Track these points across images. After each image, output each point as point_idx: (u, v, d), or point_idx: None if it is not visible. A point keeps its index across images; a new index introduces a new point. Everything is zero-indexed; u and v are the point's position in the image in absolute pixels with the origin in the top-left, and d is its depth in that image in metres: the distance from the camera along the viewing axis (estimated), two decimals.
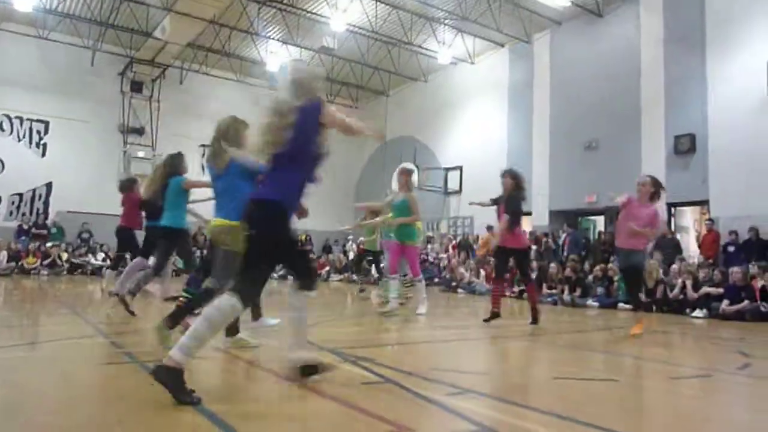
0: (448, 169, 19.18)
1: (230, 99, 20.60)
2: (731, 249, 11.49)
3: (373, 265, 11.49)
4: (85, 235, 17.70)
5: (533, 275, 12.79)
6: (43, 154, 17.99)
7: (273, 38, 18.19)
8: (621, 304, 10.28)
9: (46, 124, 18.01)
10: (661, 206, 13.11)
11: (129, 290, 6.45)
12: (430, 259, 17.38)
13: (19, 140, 17.66)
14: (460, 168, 18.68)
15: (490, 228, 15.30)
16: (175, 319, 4.22)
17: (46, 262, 15.82)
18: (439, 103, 19.90)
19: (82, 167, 18.00)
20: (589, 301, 11.07)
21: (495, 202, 7.12)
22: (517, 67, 17.55)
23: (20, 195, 17.59)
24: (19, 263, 15.52)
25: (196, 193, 6.41)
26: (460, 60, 18.72)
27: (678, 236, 13.08)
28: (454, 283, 14.66)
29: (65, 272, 15.94)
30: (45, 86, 17.74)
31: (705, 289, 9.70)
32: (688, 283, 9.89)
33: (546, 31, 16.58)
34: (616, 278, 10.85)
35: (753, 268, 9.90)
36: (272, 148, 3.14)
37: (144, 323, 6.29)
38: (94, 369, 3.75)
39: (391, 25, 17.13)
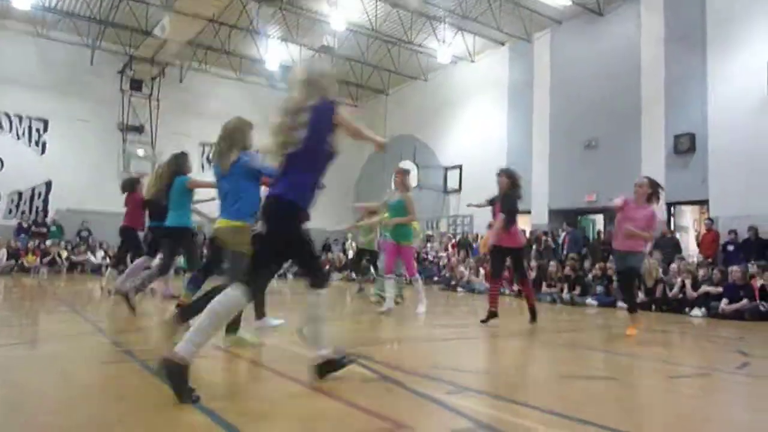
0: (447, 168, 19.19)
1: (230, 97, 20.64)
2: (730, 248, 11.50)
3: (372, 265, 11.50)
4: (85, 234, 17.71)
5: (532, 274, 12.88)
6: (43, 153, 17.99)
7: (273, 37, 18.17)
8: (620, 303, 10.27)
9: (46, 122, 18.00)
10: (660, 206, 13.19)
11: (134, 287, 6.49)
12: (430, 257, 17.38)
13: (19, 138, 17.65)
14: (460, 167, 18.69)
15: (491, 226, 15.30)
16: (186, 317, 4.23)
17: (45, 260, 15.82)
18: (438, 102, 19.91)
19: (82, 165, 17.99)
20: (589, 300, 11.08)
21: (491, 202, 7.11)
22: (518, 65, 17.54)
23: (20, 193, 17.59)
24: (19, 261, 15.53)
25: (200, 193, 6.45)
26: (460, 59, 18.72)
27: (677, 235, 13.09)
28: (453, 282, 14.67)
29: (65, 270, 15.93)
30: (44, 84, 17.73)
31: (704, 289, 9.71)
32: (688, 282, 9.90)
33: (546, 30, 16.57)
34: (615, 277, 10.85)
35: (752, 268, 9.92)
36: (285, 148, 3.16)
37: (144, 322, 6.30)
38: (94, 368, 3.75)
39: (391, 24, 17.14)
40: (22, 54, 17.47)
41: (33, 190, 17.80)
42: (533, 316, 6.75)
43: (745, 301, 9.05)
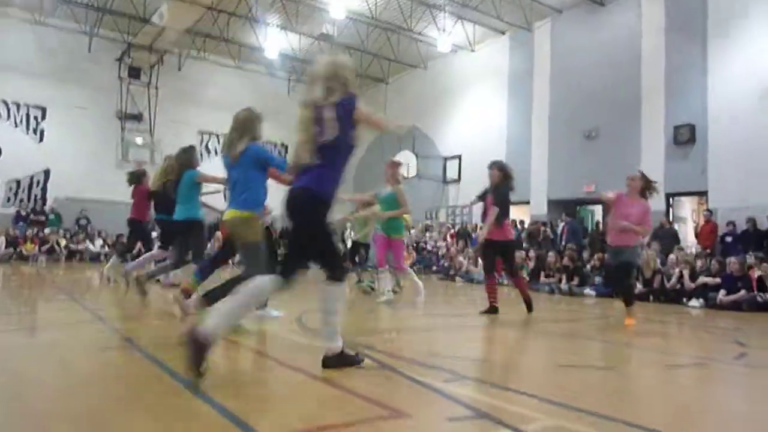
0: (447, 158, 19.16)
1: (229, 85, 20.56)
2: (729, 239, 11.52)
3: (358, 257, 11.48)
4: (83, 222, 17.70)
5: (531, 264, 12.90)
6: (41, 140, 17.93)
7: (272, 24, 18.06)
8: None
9: (44, 110, 17.92)
10: (659, 197, 13.19)
11: (147, 274, 6.75)
12: (429, 247, 17.41)
13: (17, 126, 17.59)
14: (459, 157, 18.66)
15: (484, 218, 15.32)
16: (210, 302, 4.30)
17: (44, 248, 15.81)
18: (438, 91, 19.83)
19: (80, 153, 17.94)
20: (587, 290, 11.11)
21: (482, 197, 7.09)
22: (518, 55, 17.46)
23: (18, 181, 17.56)
24: (17, 249, 15.52)
25: (205, 185, 6.48)
26: (460, 47, 18.63)
27: (676, 226, 13.11)
28: (452, 272, 14.70)
29: (63, 258, 15.94)
30: (42, 72, 17.64)
31: (702, 279, 9.75)
32: (686, 273, 9.93)
33: (547, 19, 16.48)
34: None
35: (750, 259, 9.94)
36: (310, 144, 3.19)
37: (143, 309, 6.31)
38: (93, 355, 3.76)
39: (391, 12, 17.03)
40: (20, 41, 17.36)
41: (31, 178, 17.76)
42: (529, 307, 6.76)
43: (742, 292, 9.08)
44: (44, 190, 17.93)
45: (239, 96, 20.15)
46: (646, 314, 7.77)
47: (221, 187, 6.18)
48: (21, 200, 17.43)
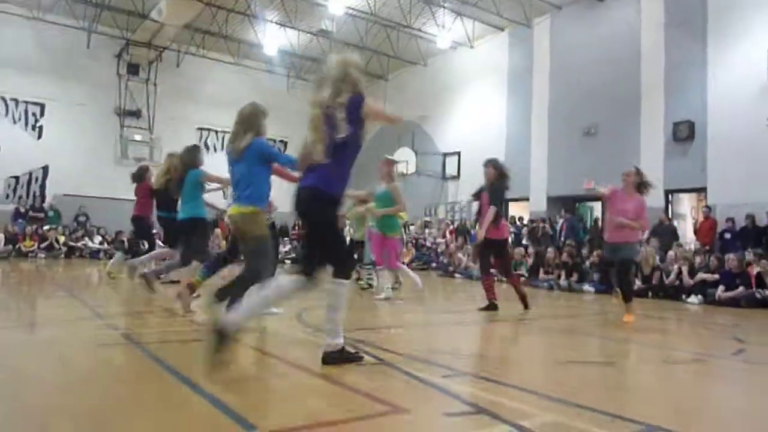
0: (446, 155, 19.14)
1: (227, 82, 20.52)
2: (728, 236, 11.53)
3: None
4: (82, 218, 17.67)
5: (529, 260, 12.91)
6: (39, 137, 17.87)
7: (271, 21, 18.02)
8: (617, 290, 10.32)
9: (42, 106, 17.87)
10: (658, 193, 13.20)
11: (155, 272, 6.84)
12: (428, 244, 17.41)
13: (15, 123, 17.54)
14: (458, 153, 18.64)
15: (479, 216, 15.32)
16: (223, 297, 4.34)
17: (43, 245, 15.79)
18: (438, 88, 19.80)
19: (79, 150, 17.90)
20: (586, 287, 11.12)
21: (476, 196, 7.06)
22: (517, 51, 17.43)
23: (17, 178, 17.52)
24: (17, 246, 15.50)
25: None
26: (459, 44, 18.59)
27: (675, 223, 13.11)
28: (451, 268, 14.71)
29: (62, 255, 15.93)
30: (40, 68, 17.58)
31: (701, 276, 9.76)
32: (684, 269, 9.93)
33: (546, 16, 16.45)
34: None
35: (749, 255, 9.94)
36: (320, 143, 3.24)
37: (141, 306, 6.31)
38: (93, 352, 3.76)
39: (390, 8, 16.98)
40: (18, 37, 17.29)
41: (30, 174, 17.73)
42: (525, 304, 6.75)
43: (741, 288, 9.09)
44: (43, 186, 17.89)
45: (238, 93, 20.11)
46: (644, 310, 7.78)
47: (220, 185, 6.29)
48: (20, 197, 17.39)
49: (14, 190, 17.49)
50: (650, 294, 10.08)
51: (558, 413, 2.54)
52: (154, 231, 9.51)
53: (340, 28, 18.06)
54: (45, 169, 17.87)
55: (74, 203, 17.72)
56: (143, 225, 8.54)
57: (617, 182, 6.56)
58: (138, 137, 18.92)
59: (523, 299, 6.78)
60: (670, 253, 10.64)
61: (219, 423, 2.28)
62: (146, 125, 19.27)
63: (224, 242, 15.30)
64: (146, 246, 9.05)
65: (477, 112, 18.29)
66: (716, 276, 9.58)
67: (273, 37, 18.48)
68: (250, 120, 4.38)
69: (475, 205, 7.76)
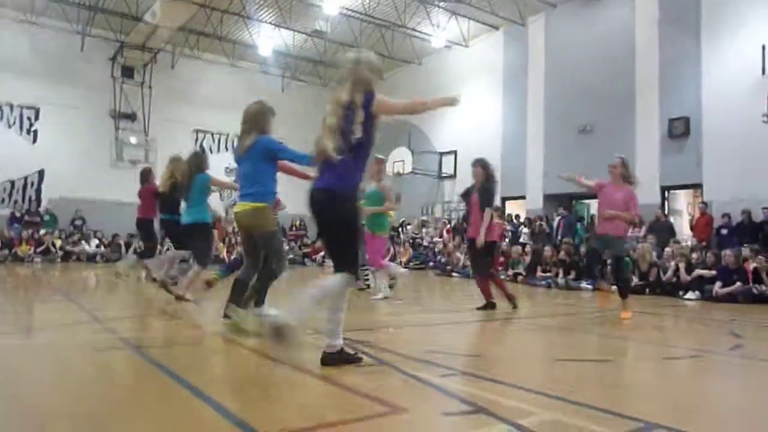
0: (442, 154, 19.15)
1: (222, 83, 20.50)
2: (724, 232, 11.57)
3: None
4: (78, 222, 17.62)
5: (527, 259, 12.92)
6: (34, 141, 17.81)
7: (265, 21, 18.00)
8: (614, 287, 10.34)
9: (37, 110, 17.81)
10: (655, 190, 13.24)
11: (170, 276, 6.99)
12: (425, 243, 17.42)
13: (10, 127, 17.47)
14: (455, 152, 18.66)
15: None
16: (249, 301, 4.46)
17: (39, 249, 15.74)
18: (433, 87, 19.77)
19: (74, 154, 17.84)
20: (583, 284, 11.12)
21: (465, 196, 7.02)
22: (512, 50, 17.45)
23: (12, 182, 17.46)
24: (13, 251, 15.45)
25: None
26: (454, 43, 18.61)
27: (671, 219, 13.15)
28: (449, 267, 14.71)
29: (59, 259, 15.88)
30: (34, 72, 17.52)
31: (698, 272, 9.78)
32: (681, 265, 9.95)
33: (541, 14, 16.47)
34: (609, 261, 10.87)
35: (745, 251, 9.98)
36: (332, 141, 3.26)
37: (139, 309, 6.30)
38: (91, 355, 3.75)
39: (384, 8, 16.99)
40: (12, 41, 17.22)
41: (25, 179, 17.66)
42: (512, 302, 6.69)
43: (738, 284, 9.11)
44: (39, 191, 17.82)
45: (233, 94, 20.12)
46: (642, 307, 7.79)
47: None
48: (15, 201, 17.33)
49: (10, 195, 17.43)
50: (648, 291, 10.09)
51: (556, 411, 2.54)
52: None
53: (335, 28, 18.05)
54: (40, 173, 17.81)
55: (70, 207, 17.67)
56: (148, 227, 8.57)
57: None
58: (133, 140, 18.87)
59: (509, 298, 6.70)
60: (667, 249, 10.66)
61: (219, 426, 2.28)
62: (141, 128, 19.22)
63: (221, 244, 15.33)
64: (144, 248, 9.06)
65: (473, 111, 18.27)
66: (713, 272, 9.61)
67: (267, 38, 18.47)
68: (256, 118, 4.44)
69: (465, 203, 7.72)
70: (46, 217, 17.30)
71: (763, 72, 11.39)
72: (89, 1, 16.54)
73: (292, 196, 8.02)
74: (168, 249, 9.29)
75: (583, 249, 12.42)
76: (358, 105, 3.27)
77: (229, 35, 19.01)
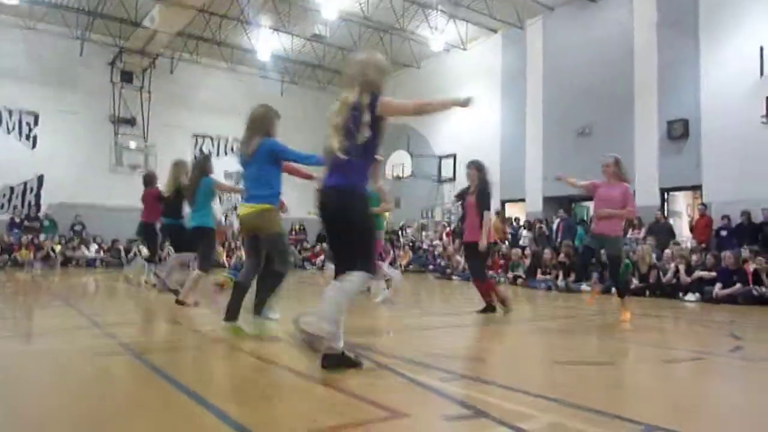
0: (441, 157, 19.17)
1: (221, 88, 20.53)
2: (724, 233, 11.57)
3: None
4: (78, 227, 17.60)
5: (526, 261, 12.92)
6: (34, 146, 17.81)
7: (264, 26, 18.03)
8: (614, 289, 10.34)
9: (36, 115, 17.81)
10: (654, 192, 13.25)
11: (180, 284, 6.97)
12: (425, 246, 17.42)
13: (9, 132, 17.47)
14: (454, 156, 18.67)
15: (498, 213, 15.36)
16: (262, 307, 4.50)
17: (39, 255, 15.73)
18: (432, 90, 19.78)
19: (73, 159, 17.84)
20: (583, 286, 11.11)
21: (460, 197, 6.97)
22: (510, 53, 17.48)
23: (11, 188, 17.45)
24: (12, 256, 15.44)
25: None
26: (452, 46, 18.65)
27: (671, 221, 13.16)
28: (449, 270, 14.71)
29: (59, 265, 15.86)
30: (33, 77, 17.54)
31: (698, 273, 9.78)
32: (681, 267, 9.95)
33: (539, 17, 16.51)
34: (580, 250, 10.82)
35: (745, 252, 9.99)
36: (336, 140, 3.29)
37: (139, 315, 6.29)
38: (91, 361, 3.74)
39: (383, 12, 17.02)
40: (11, 47, 17.23)
41: (25, 184, 17.65)
42: (505, 304, 6.58)
43: (738, 285, 9.11)
44: (38, 196, 17.81)
45: (232, 98, 20.17)
46: (642, 309, 7.79)
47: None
48: (15, 207, 17.32)
49: (9, 200, 17.41)
50: (647, 293, 10.09)
51: (557, 414, 2.54)
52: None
53: (334, 32, 18.09)
54: (40, 178, 17.80)
55: (70, 212, 17.65)
56: (152, 231, 8.60)
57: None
58: (132, 145, 18.88)
59: (501, 300, 6.61)
60: (667, 251, 10.66)
61: (218, 431, 2.27)
62: (140, 132, 19.23)
63: (220, 249, 15.33)
64: (147, 252, 9.08)
65: (471, 114, 18.21)
66: (713, 273, 9.61)
67: (266, 43, 18.49)
68: (261, 121, 4.49)
69: (459, 206, 7.67)
70: (46, 223, 17.28)
71: (762, 73, 11.42)
72: (88, 7, 16.57)
73: (292, 199, 8.03)
74: (168, 253, 9.28)
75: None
76: (365, 106, 3.29)
77: (228, 40, 19.03)
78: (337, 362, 3.25)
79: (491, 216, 6.62)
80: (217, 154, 20.35)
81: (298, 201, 9.22)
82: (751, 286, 9.08)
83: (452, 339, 5.24)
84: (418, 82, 20.54)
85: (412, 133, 19.93)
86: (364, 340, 4.37)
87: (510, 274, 12.97)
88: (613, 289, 10.21)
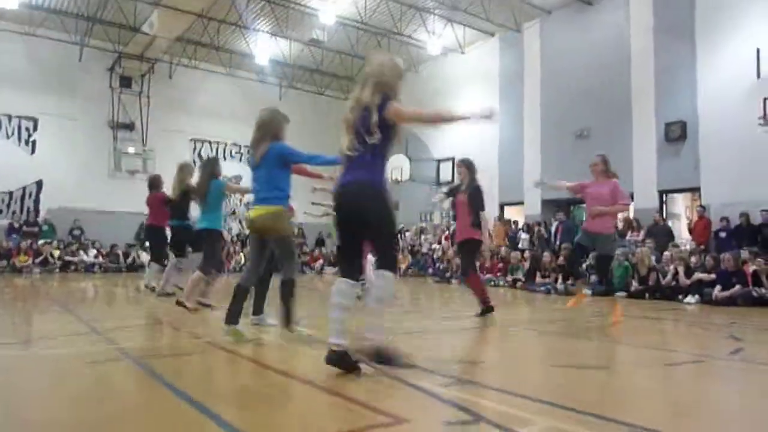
0: (440, 161, 19.17)
1: (220, 92, 20.55)
2: (722, 235, 11.58)
3: None
4: (77, 232, 17.59)
5: (526, 264, 12.91)
6: (33, 152, 17.81)
7: (262, 31, 18.06)
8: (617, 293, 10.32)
9: (35, 121, 17.81)
10: (653, 194, 13.26)
11: (178, 286, 7.02)
12: (424, 250, 17.41)
13: (8, 138, 17.47)
14: (452, 159, 18.66)
15: (500, 219, 15.33)
16: (289, 318, 4.56)
17: (38, 260, 15.71)
18: (429, 94, 19.81)
19: (72, 164, 17.84)
20: (583, 290, 11.09)
21: (451, 194, 6.91)
22: (508, 56, 17.52)
23: (10, 193, 17.43)
24: (11, 261, 15.42)
25: None
26: (450, 50, 18.68)
27: (670, 223, 13.16)
28: (448, 274, 14.70)
29: (57, 270, 15.84)
30: (33, 83, 17.54)
31: (697, 276, 9.77)
32: (680, 269, 9.95)
33: (536, 20, 16.55)
34: (573, 250, 10.80)
35: (744, 254, 9.99)
36: (346, 138, 3.35)
37: (138, 320, 6.28)
38: (89, 367, 3.73)
39: (380, 16, 17.06)
40: (10, 53, 17.24)
41: (24, 189, 17.64)
42: (485, 306, 6.37)
43: (737, 287, 9.11)
44: (37, 201, 17.79)
45: (231, 103, 20.20)
46: (642, 311, 7.79)
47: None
48: (14, 212, 17.30)
49: (8, 206, 17.40)
50: (647, 295, 10.09)
51: (557, 419, 2.53)
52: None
53: (332, 37, 18.11)
54: (39, 183, 17.79)
55: (68, 217, 17.65)
56: (159, 233, 8.60)
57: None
58: (131, 150, 18.87)
59: (484, 301, 6.40)
60: (666, 253, 10.66)
61: None
62: (139, 137, 19.23)
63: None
64: (152, 255, 9.04)
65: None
66: (712, 275, 9.60)
67: (264, 47, 18.52)
68: (270, 125, 4.52)
69: (448, 202, 7.53)
70: (45, 228, 17.27)
71: (758, 75, 11.45)
72: (87, 12, 16.58)
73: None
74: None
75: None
76: (374, 106, 3.31)
77: (227, 45, 19.07)
78: (340, 360, 3.26)
79: (487, 217, 6.58)
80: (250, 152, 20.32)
81: (297, 204, 9.20)
82: (751, 287, 9.08)
83: (452, 343, 5.24)
84: (415, 86, 20.51)
85: (410, 137, 19.91)
86: (363, 345, 4.36)
87: (509, 278, 12.97)
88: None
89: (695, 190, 13.10)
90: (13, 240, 16.19)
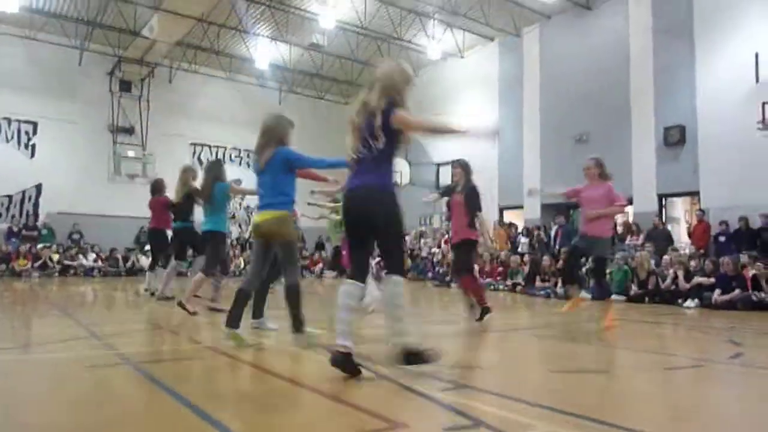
0: (439, 165, 19.17)
1: (220, 97, 20.58)
2: (722, 239, 11.58)
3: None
4: (76, 236, 17.58)
5: (525, 268, 12.91)
6: (32, 156, 17.82)
7: (262, 35, 18.10)
8: (614, 296, 10.32)
9: (35, 125, 17.83)
10: (652, 198, 13.27)
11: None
12: (423, 254, 17.40)
13: (8, 141, 17.48)
14: (452, 164, 18.67)
15: (501, 223, 15.29)
16: (299, 322, 4.48)
17: (37, 264, 15.69)
18: (429, 98, 19.81)
19: (72, 168, 17.84)
20: (582, 293, 11.07)
21: (446, 193, 6.89)
22: (507, 60, 17.55)
23: (9, 197, 17.43)
24: (10, 265, 15.40)
25: None
26: (449, 55, 18.72)
27: (669, 227, 13.17)
28: (447, 278, 14.68)
29: (56, 274, 15.83)
30: (32, 87, 17.56)
31: (696, 279, 9.77)
32: (680, 273, 9.96)
33: (535, 25, 16.59)
34: (609, 270, 10.85)
35: (744, 258, 9.98)
36: (350, 141, 3.38)
37: (137, 325, 6.27)
38: (88, 371, 3.73)
39: (380, 21, 17.10)
40: (10, 56, 17.26)
41: (23, 193, 17.64)
42: (472, 307, 6.41)
43: (737, 291, 9.11)
44: (36, 205, 17.79)
45: (230, 107, 20.23)
46: (641, 315, 7.79)
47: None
48: (13, 216, 17.29)
49: (7, 209, 17.40)
50: (646, 299, 10.09)
51: (557, 423, 2.53)
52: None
53: (331, 41, 18.16)
54: (38, 187, 17.80)
55: (68, 221, 17.64)
56: (162, 237, 8.61)
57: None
58: (131, 154, 18.88)
59: (474, 305, 6.39)
60: (665, 257, 10.67)
61: None
62: (139, 141, 19.25)
63: None
64: (153, 259, 9.04)
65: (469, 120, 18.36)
66: (712, 279, 9.60)
67: (264, 52, 18.55)
68: (275, 130, 4.54)
69: (443, 201, 7.50)
70: (44, 232, 17.25)
71: (757, 80, 11.47)
72: (87, 16, 16.62)
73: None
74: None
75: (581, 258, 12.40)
76: (379, 110, 3.33)
77: (226, 49, 19.10)
78: (345, 363, 3.28)
79: (483, 218, 6.55)
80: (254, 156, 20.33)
81: (298, 207, 9.19)
82: (750, 291, 9.08)
83: (451, 347, 5.22)
84: (415, 90, 20.41)
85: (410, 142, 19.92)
86: (363, 349, 4.36)
87: (509, 282, 12.96)
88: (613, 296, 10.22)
89: (694, 194, 13.11)
90: (13, 244, 16.17)
